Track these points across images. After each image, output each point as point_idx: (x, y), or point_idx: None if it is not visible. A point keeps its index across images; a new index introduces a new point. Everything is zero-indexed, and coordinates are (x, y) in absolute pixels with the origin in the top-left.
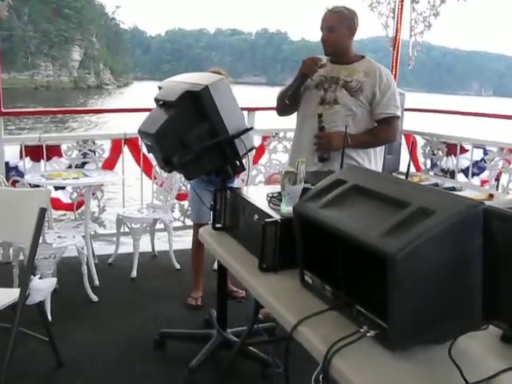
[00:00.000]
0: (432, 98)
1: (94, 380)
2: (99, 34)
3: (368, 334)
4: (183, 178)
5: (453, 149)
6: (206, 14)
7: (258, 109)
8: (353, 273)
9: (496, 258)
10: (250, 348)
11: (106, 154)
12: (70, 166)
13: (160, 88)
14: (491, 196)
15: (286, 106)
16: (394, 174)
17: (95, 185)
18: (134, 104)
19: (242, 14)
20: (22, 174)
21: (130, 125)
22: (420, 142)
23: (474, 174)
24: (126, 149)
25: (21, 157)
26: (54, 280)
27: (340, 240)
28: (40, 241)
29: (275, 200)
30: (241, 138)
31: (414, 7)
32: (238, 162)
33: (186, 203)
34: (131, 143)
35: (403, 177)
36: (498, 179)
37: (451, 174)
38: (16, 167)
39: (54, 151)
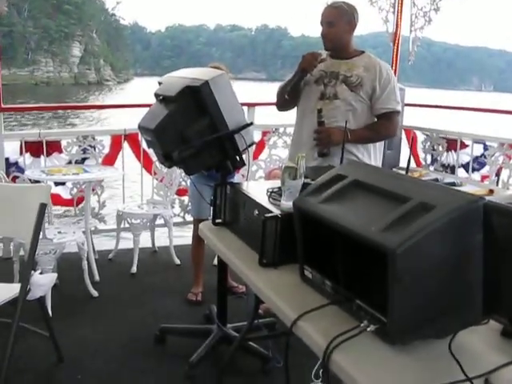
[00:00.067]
0: (432, 94)
1: (94, 375)
2: (99, 29)
3: (368, 329)
4: (183, 174)
5: (453, 144)
6: (205, 9)
7: (258, 104)
8: (353, 268)
9: (496, 252)
10: (250, 343)
11: (106, 150)
12: (69, 162)
13: (160, 83)
14: (491, 191)
15: (285, 101)
16: (394, 169)
17: (95, 180)
18: (134, 100)
19: (241, 10)
20: (22, 170)
21: (132, 121)
22: (420, 137)
23: (474, 170)
24: (125, 144)
25: (21, 153)
26: (55, 275)
27: (340, 235)
28: (40, 236)
29: (275, 195)
30: (241, 134)
31: (415, 2)
32: (238, 158)
33: (186, 199)
34: (131, 139)
35: (403, 172)
36: (498, 174)
37: (451, 170)
38: (16, 163)
39: (53, 147)
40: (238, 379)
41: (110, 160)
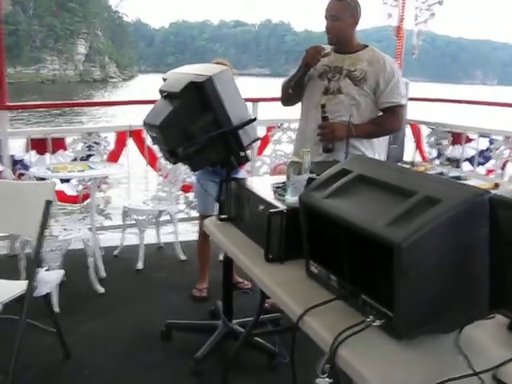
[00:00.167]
0: (437, 88)
1: (100, 371)
2: (103, 27)
3: (374, 324)
4: (188, 170)
5: (458, 138)
6: (209, 5)
7: (261, 99)
8: (358, 262)
9: (502, 246)
10: (256, 338)
11: (111, 147)
12: (75, 159)
13: (164, 79)
14: (497, 185)
15: (289, 95)
16: (398, 163)
17: (100, 177)
18: (139, 96)
19: (245, 5)
20: (27, 167)
21: (138, 117)
22: (425, 131)
23: (479, 164)
24: (130, 141)
25: (26, 150)
26: (61, 272)
27: (345, 230)
28: (46, 233)
29: (280, 190)
30: (245, 129)
31: None
32: (242, 153)
33: (191, 195)
34: (136, 135)
35: (408, 166)
36: (503, 168)
37: (456, 164)
38: (22, 160)
39: (59, 144)
40: (243, 375)
41: (114, 156)
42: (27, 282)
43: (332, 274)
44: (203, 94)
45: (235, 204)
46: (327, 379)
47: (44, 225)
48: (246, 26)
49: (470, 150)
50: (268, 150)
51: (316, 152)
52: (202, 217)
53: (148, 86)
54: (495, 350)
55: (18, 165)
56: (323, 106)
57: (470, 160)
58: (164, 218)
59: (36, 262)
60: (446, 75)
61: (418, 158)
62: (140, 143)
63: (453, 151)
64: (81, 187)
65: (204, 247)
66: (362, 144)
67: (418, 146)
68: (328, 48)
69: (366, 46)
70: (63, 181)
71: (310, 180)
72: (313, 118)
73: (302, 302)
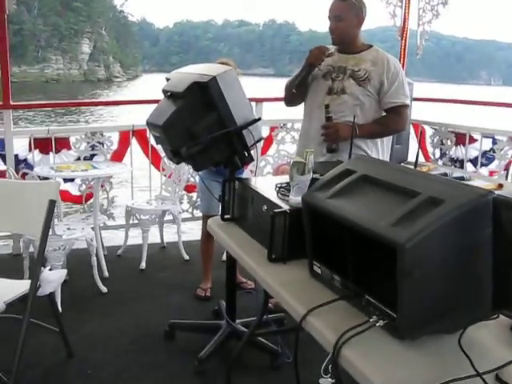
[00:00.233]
0: (442, 88)
1: (103, 370)
2: (108, 26)
3: (377, 324)
4: (191, 170)
5: (462, 138)
6: (213, 5)
7: (265, 99)
8: (362, 263)
9: (506, 247)
10: (259, 339)
11: (115, 146)
12: (78, 159)
13: (168, 79)
14: (501, 185)
15: (293, 96)
16: (402, 163)
17: (104, 177)
18: (143, 96)
19: (249, 5)
20: (31, 167)
21: (142, 117)
22: (429, 131)
23: (482, 165)
24: (134, 140)
25: (30, 149)
26: (64, 271)
27: (349, 230)
28: (50, 233)
29: (284, 190)
30: (249, 129)
31: None
32: (246, 153)
33: (194, 195)
34: (139, 135)
35: (412, 167)
36: (507, 169)
37: (460, 164)
38: (25, 160)
39: (62, 143)
40: (247, 375)
41: (118, 156)
42: (30, 281)
43: (335, 274)
44: (207, 94)
45: (238, 204)
46: (330, 379)
47: (47, 224)
48: (250, 25)
49: (472, 151)
50: (272, 150)
51: (320, 152)
52: (206, 217)
53: (152, 85)
54: (498, 350)
55: (21, 164)
56: (327, 106)
57: (473, 161)
58: (167, 217)
59: (39, 261)
60: (450, 75)
61: (421, 159)
62: (143, 143)
63: (456, 151)
64: (84, 187)
65: (207, 247)
66: (366, 144)
67: (422, 147)
68: (332, 48)
69: (371, 46)
70: (67, 180)
71: (313, 180)
72: (316, 118)
73: (305, 302)
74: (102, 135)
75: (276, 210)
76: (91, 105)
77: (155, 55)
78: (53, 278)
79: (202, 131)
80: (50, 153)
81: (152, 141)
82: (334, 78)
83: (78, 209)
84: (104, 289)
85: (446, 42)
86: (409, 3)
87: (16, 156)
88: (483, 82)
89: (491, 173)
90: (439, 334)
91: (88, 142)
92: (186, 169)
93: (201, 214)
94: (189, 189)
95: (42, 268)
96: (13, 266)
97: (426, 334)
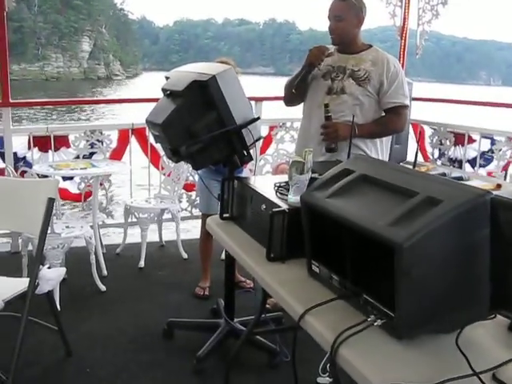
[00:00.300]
0: (441, 88)
1: (102, 369)
2: (108, 24)
3: (375, 323)
4: (191, 168)
5: (460, 138)
6: (213, 3)
7: (265, 98)
8: (360, 262)
9: (503, 247)
10: (258, 337)
11: (114, 145)
12: (77, 157)
13: (167, 78)
14: (499, 186)
15: (293, 95)
16: (401, 163)
17: (103, 175)
18: (143, 94)
19: (249, 4)
20: (30, 165)
21: (142, 115)
22: (428, 131)
23: (480, 166)
24: (133, 139)
25: (29, 147)
26: (63, 270)
27: (347, 229)
28: (48, 231)
29: (282, 189)
30: (248, 128)
31: None
32: (245, 152)
33: (193, 194)
34: (138, 133)
35: (411, 166)
36: (506, 170)
37: (459, 164)
38: (24, 158)
39: (61, 142)
40: (245, 373)
41: (117, 154)
42: (29, 279)
43: (334, 273)
44: (207, 93)
45: (237, 203)
46: (328, 378)
47: (46, 222)
48: (251, 24)
49: (471, 152)
50: (271, 149)
51: (319, 152)
52: (205, 216)
53: (152, 83)
54: (495, 350)
55: (20, 162)
56: (326, 106)
57: (471, 161)
58: (166, 216)
59: (38, 259)
60: (450, 75)
61: (420, 159)
62: (143, 141)
63: (455, 152)
64: (83, 185)
65: (206, 246)
66: (365, 144)
67: (421, 147)
68: (332, 48)
69: (370, 46)
70: (66, 178)
71: (312, 179)
72: (316, 118)
73: (303, 301)
74: (102, 133)
75: (275, 210)
76: (91, 103)
77: (155, 53)
78: (51, 276)
79: (201, 130)
80: (49, 151)
81: (151, 139)
82: (333, 77)
83: (75, 207)
84: (103, 287)
85: (445, 42)
86: (409, 3)
87: (15, 154)
88: (483, 82)
89: (489, 174)
90: (437, 334)
91: (87, 140)
92: (185, 167)
93: (200, 213)
94: (188, 187)
95: (41, 266)
96: (11, 264)
97: (424, 333)
